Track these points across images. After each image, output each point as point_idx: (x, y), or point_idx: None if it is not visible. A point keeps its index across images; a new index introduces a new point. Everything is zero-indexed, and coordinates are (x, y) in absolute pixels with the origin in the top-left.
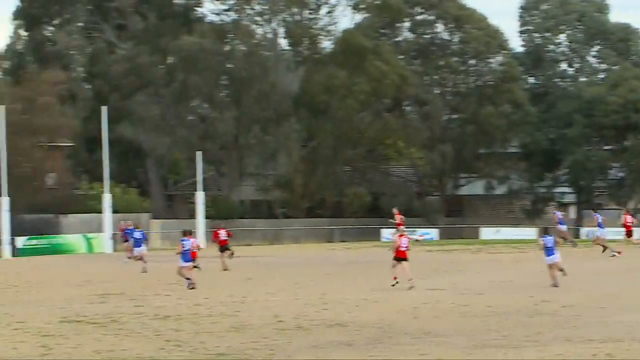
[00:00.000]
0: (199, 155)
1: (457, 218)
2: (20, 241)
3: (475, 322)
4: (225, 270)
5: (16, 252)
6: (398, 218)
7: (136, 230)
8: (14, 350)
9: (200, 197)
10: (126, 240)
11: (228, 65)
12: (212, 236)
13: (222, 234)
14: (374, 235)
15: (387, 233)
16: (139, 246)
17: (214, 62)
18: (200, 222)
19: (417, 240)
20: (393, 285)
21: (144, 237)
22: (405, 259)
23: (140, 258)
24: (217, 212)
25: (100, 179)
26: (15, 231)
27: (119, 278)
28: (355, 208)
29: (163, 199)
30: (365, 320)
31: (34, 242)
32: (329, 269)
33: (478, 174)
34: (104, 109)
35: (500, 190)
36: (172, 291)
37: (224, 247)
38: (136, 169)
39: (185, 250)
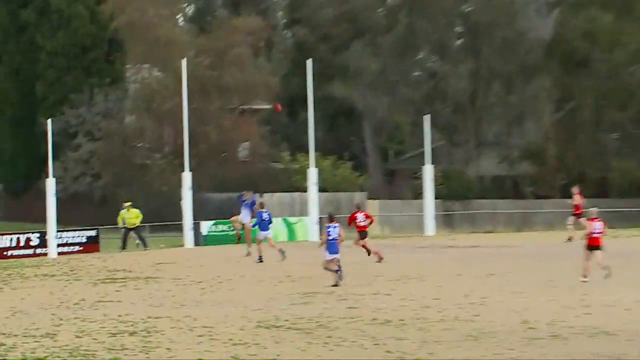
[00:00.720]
0: (426, 119)
1: None
2: (205, 226)
3: None
4: (378, 258)
5: (200, 239)
6: (577, 198)
7: (264, 210)
8: None
9: (428, 171)
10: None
11: (464, 8)
12: (348, 220)
13: (360, 217)
14: None
15: None
16: (266, 229)
17: (446, 3)
18: (429, 203)
19: None
20: (584, 282)
21: (270, 220)
22: (598, 248)
23: (260, 243)
24: (450, 191)
25: (304, 149)
26: (199, 214)
27: (327, 272)
28: (624, 186)
29: (382, 174)
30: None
31: (221, 227)
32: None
33: None
34: (309, 63)
35: None
36: (394, 289)
37: (363, 233)
38: (349, 137)
39: (332, 240)
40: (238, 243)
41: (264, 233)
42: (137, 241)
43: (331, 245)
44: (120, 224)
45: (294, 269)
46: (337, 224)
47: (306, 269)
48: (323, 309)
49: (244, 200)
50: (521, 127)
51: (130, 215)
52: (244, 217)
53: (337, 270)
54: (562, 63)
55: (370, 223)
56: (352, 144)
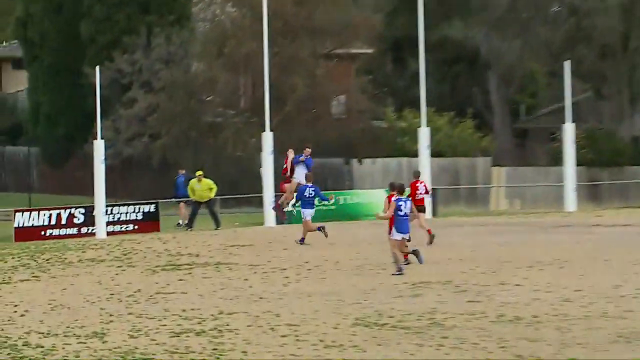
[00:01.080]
0: (567, 66)
1: None
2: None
3: None
4: (430, 239)
5: (284, 216)
6: None
7: (308, 185)
8: None
9: (568, 132)
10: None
11: None
12: (410, 191)
13: (421, 188)
14: None
15: None
16: (310, 207)
17: None
18: (569, 171)
19: None
20: None
21: (316, 195)
22: None
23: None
24: (596, 156)
25: (413, 104)
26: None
27: (443, 257)
28: None
29: (511, 135)
30: None
31: None
32: None
33: None
34: None
35: None
36: (525, 279)
37: (421, 207)
38: (470, 90)
39: (404, 216)
40: (283, 221)
41: (308, 212)
42: (181, 222)
43: (402, 223)
44: (192, 197)
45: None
46: (407, 197)
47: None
48: (437, 303)
49: (300, 160)
50: None
51: (202, 187)
52: (300, 176)
53: (415, 252)
54: None
55: (427, 193)
56: (473, 98)
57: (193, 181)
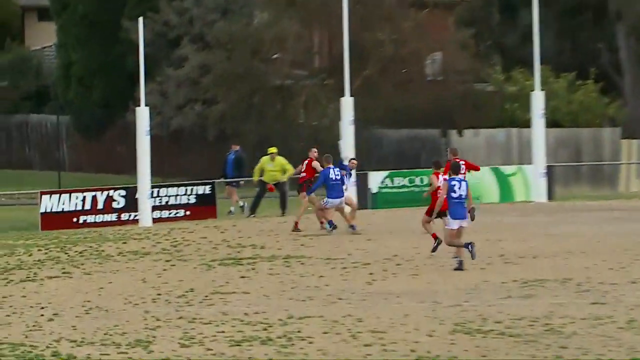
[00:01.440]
0: None
1: None
2: (376, 179)
3: None
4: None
5: (368, 199)
6: None
7: (333, 166)
8: None
9: None
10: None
11: None
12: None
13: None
14: None
15: None
16: (338, 196)
17: None
18: None
19: None
20: None
21: (349, 174)
22: None
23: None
24: None
25: (525, 63)
26: (367, 162)
27: (561, 250)
28: None
29: None
30: None
31: (399, 181)
32: None
33: None
34: None
35: None
36: None
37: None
38: (594, 45)
39: (458, 199)
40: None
41: (332, 201)
42: (233, 209)
43: (457, 207)
44: (256, 178)
45: (508, 245)
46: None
47: (526, 246)
48: (553, 306)
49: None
50: None
51: (275, 167)
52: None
53: (468, 245)
54: None
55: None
56: (598, 56)
57: (265, 159)
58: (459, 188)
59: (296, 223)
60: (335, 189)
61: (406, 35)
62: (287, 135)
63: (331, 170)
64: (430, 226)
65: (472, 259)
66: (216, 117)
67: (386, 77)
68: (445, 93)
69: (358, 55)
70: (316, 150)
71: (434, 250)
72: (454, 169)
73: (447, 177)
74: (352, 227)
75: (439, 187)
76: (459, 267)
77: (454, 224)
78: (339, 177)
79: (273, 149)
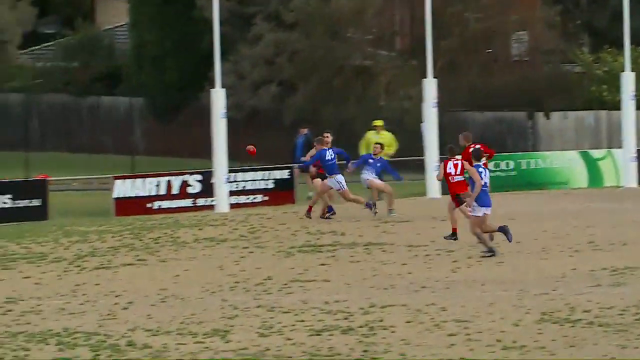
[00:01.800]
0: None
1: None
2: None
3: None
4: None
5: None
6: None
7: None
8: None
9: None
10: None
11: None
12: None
13: (451, 169)
14: None
15: None
16: (332, 172)
17: None
18: None
19: None
20: None
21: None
22: None
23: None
24: None
25: (614, 42)
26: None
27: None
28: None
29: None
30: None
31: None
32: None
33: None
34: None
35: None
36: None
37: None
38: None
39: (483, 186)
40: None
41: (332, 180)
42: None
43: (483, 195)
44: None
45: (597, 231)
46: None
47: (616, 232)
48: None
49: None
50: None
51: (381, 140)
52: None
53: (503, 228)
54: None
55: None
56: None
57: (370, 133)
58: (485, 175)
59: (310, 208)
60: (329, 169)
61: (491, 12)
62: (369, 117)
63: (327, 152)
64: (454, 216)
65: (509, 242)
66: (293, 99)
67: (470, 57)
68: (531, 74)
69: (440, 34)
70: (329, 135)
71: (447, 238)
72: (476, 156)
73: (455, 162)
74: (390, 211)
75: (449, 173)
76: (492, 253)
77: (480, 212)
78: (333, 158)
79: (379, 122)
